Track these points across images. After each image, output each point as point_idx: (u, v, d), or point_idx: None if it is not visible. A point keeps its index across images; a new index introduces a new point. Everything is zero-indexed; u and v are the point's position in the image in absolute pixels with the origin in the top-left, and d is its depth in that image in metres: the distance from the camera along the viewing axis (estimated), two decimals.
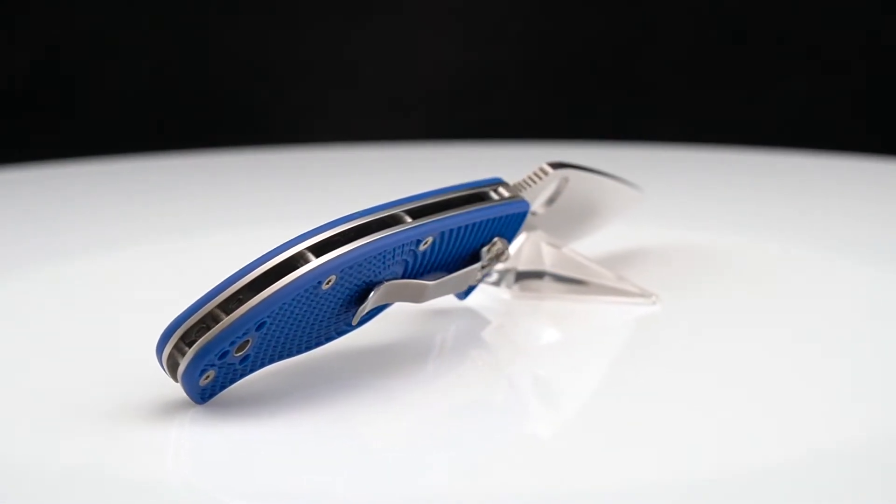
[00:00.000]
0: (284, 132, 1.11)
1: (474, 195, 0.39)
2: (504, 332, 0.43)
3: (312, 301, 0.36)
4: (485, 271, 0.41)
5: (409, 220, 0.37)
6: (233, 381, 0.36)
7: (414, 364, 0.40)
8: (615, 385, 0.39)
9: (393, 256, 0.37)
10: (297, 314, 0.36)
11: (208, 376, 0.35)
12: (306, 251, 0.35)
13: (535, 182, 0.42)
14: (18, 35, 1.11)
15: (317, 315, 0.37)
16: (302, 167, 0.82)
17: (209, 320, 0.34)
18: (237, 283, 0.35)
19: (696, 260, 0.52)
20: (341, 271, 0.36)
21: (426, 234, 0.37)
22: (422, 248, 0.38)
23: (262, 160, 0.85)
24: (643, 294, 0.44)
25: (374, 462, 0.33)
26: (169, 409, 0.36)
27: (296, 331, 0.37)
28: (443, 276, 0.39)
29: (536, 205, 0.45)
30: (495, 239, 0.40)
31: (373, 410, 0.36)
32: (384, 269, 0.37)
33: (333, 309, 0.37)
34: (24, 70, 1.12)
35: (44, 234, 0.61)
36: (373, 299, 0.37)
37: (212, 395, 0.36)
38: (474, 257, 0.40)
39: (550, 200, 0.45)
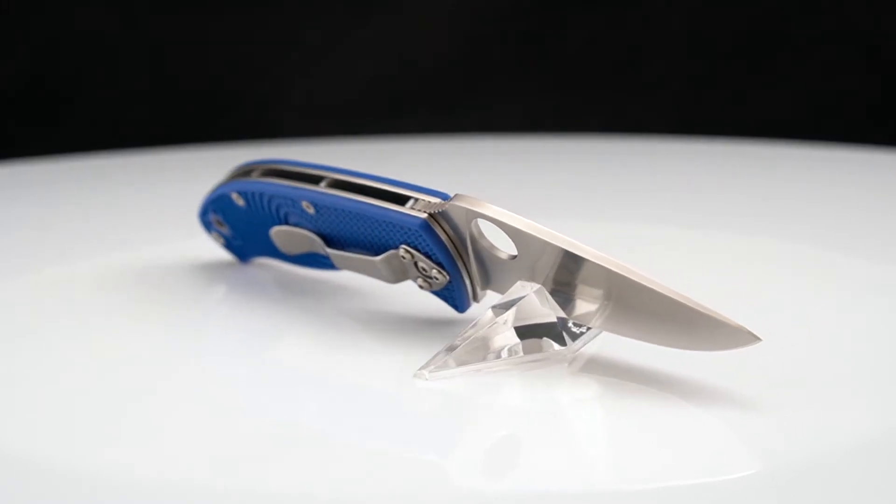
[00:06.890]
0: (283, 129, 1.11)
1: (398, 196, 0.39)
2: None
3: (243, 211, 0.44)
4: (435, 286, 0.39)
5: (321, 185, 0.41)
6: (249, 253, 0.47)
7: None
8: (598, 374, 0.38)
9: (289, 205, 0.42)
10: (243, 218, 0.44)
11: (218, 234, 0.47)
12: (262, 170, 0.43)
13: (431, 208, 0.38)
14: (16, 33, 1.11)
15: (258, 227, 0.44)
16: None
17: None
18: (231, 174, 0.45)
19: (696, 255, 0.52)
20: (247, 195, 0.43)
21: (302, 198, 0.41)
22: (306, 209, 0.41)
23: (261, 156, 0.85)
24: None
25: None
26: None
27: (254, 233, 0.44)
28: (349, 252, 0.41)
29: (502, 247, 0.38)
30: (406, 248, 0.39)
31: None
32: (291, 213, 0.42)
33: (267, 227, 0.44)
34: (21, 68, 1.12)
35: (44, 228, 0.61)
36: (274, 231, 0.43)
37: (244, 258, 0.47)
38: (377, 253, 0.40)
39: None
